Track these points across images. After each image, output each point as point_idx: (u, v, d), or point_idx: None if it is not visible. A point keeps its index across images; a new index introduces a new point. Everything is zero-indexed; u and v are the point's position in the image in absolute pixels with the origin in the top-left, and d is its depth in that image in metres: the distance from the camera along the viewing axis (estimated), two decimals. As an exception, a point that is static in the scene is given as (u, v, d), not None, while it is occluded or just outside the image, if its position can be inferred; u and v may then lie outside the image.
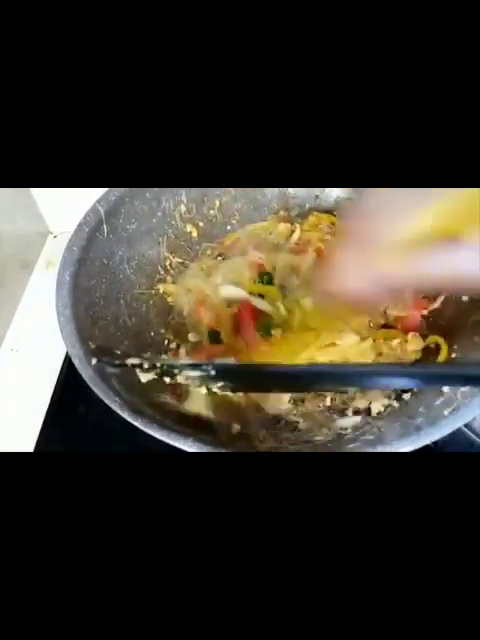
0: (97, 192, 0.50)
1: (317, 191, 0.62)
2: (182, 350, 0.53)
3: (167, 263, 0.57)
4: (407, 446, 0.36)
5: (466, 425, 0.39)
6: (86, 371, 0.40)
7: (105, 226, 0.50)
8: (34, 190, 0.68)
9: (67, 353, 0.42)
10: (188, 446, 0.37)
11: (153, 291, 0.55)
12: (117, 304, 0.50)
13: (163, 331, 0.54)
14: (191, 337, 0.54)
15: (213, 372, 0.36)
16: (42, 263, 0.70)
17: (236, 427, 0.47)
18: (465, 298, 0.50)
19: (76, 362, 0.40)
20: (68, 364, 0.57)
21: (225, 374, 0.37)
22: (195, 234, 0.59)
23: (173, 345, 0.54)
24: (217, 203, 0.59)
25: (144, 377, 0.38)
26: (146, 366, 0.37)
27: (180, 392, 0.46)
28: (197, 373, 0.37)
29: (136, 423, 0.37)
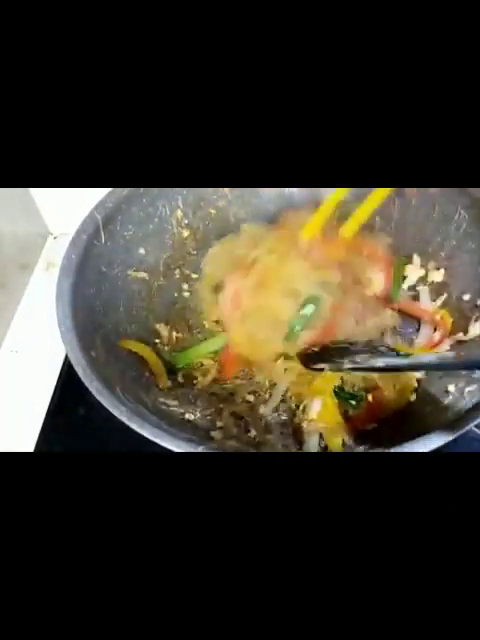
0: (97, 193, 0.50)
1: (315, 193, 0.62)
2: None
3: (165, 269, 0.57)
4: (416, 448, 0.36)
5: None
6: (91, 382, 0.39)
7: (102, 233, 0.49)
8: (34, 190, 0.67)
9: (67, 354, 0.42)
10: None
11: (153, 298, 0.55)
12: (117, 312, 0.50)
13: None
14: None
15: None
16: (42, 264, 0.71)
17: (253, 432, 0.48)
18: (466, 297, 0.50)
19: (79, 371, 0.40)
20: (68, 365, 0.57)
21: None
22: (192, 239, 0.59)
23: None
24: (213, 208, 0.59)
25: None
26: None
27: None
28: None
29: (143, 432, 0.37)
